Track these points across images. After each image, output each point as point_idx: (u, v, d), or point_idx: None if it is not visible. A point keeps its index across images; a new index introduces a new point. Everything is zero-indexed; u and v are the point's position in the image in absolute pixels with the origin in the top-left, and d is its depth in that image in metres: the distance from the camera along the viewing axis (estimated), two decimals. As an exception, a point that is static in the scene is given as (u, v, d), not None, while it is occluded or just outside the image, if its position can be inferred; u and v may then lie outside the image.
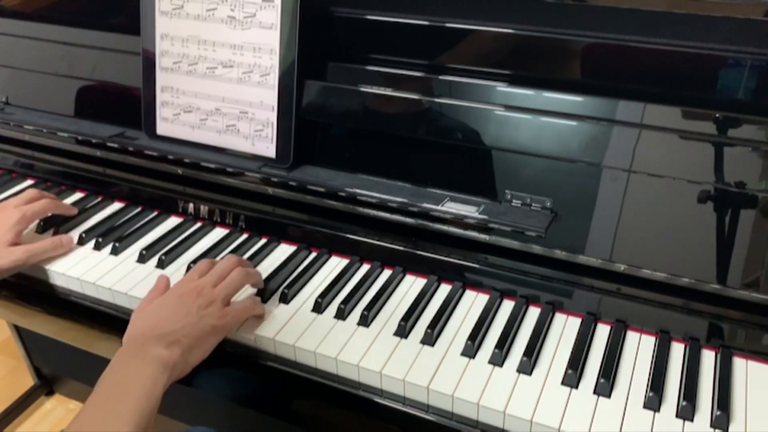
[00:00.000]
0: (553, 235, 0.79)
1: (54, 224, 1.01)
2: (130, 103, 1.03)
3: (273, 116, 0.92)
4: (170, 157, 0.99)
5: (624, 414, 0.68)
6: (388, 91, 0.88)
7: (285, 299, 0.84)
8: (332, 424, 0.83)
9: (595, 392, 0.70)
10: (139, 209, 1.05)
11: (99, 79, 1.08)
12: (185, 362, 0.72)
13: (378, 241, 0.90)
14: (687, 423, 0.67)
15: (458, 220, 0.82)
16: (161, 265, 0.91)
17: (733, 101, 0.74)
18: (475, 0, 0.84)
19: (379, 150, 0.90)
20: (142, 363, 0.69)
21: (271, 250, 0.95)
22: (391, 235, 0.89)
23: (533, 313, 0.82)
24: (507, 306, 0.83)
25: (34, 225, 1.00)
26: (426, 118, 0.86)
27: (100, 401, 0.66)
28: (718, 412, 0.66)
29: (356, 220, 0.90)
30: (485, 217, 0.80)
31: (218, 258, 0.93)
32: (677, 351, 0.76)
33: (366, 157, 0.91)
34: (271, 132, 0.92)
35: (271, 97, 0.91)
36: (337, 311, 0.81)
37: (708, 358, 0.74)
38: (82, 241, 0.97)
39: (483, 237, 0.83)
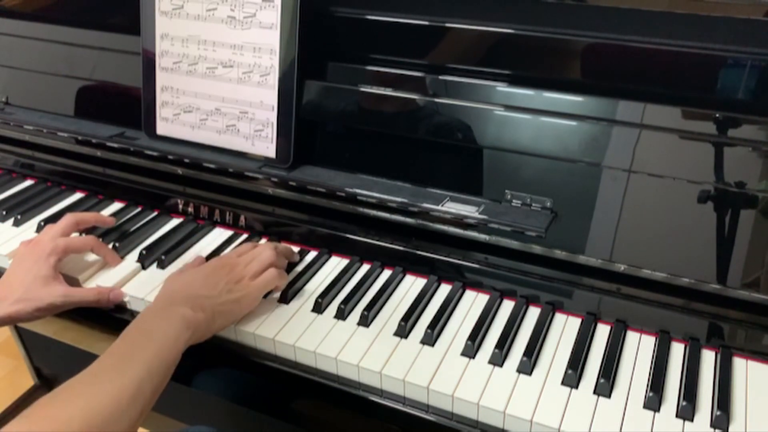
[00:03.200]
0: (553, 235, 0.79)
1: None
2: (130, 103, 1.03)
3: (273, 116, 0.92)
4: (170, 157, 0.99)
5: (624, 414, 0.68)
6: (388, 91, 0.88)
7: (285, 299, 0.84)
8: (332, 424, 0.83)
9: (595, 392, 0.70)
10: (139, 209, 1.05)
11: (99, 79, 1.08)
12: (207, 327, 0.75)
13: (378, 241, 0.90)
14: (687, 423, 0.67)
15: (458, 220, 0.82)
16: (161, 265, 0.91)
17: (733, 101, 0.74)
18: (475, 0, 0.84)
19: (379, 150, 0.90)
20: (167, 318, 0.72)
21: (271, 250, 0.95)
22: (391, 235, 0.89)
23: (533, 313, 0.82)
24: (507, 306, 0.83)
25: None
26: (426, 118, 0.86)
27: (120, 346, 0.69)
28: (718, 412, 0.66)
29: (356, 220, 0.90)
30: (485, 217, 0.80)
31: (218, 258, 0.93)
32: (677, 351, 0.76)
33: (366, 156, 0.91)
34: (271, 132, 0.92)
35: (271, 97, 0.91)
36: (337, 311, 0.81)
37: (708, 358, 0.74)
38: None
39: (483, 237, 0.83)
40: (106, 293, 0.86)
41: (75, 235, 0.93)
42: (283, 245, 0.91)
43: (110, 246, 0.95)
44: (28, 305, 0.82)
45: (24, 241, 0.90)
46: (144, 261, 0.92)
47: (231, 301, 0.78)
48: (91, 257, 0.93)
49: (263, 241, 0.96)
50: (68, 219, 0.91)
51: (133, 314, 0.87)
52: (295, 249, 0.94)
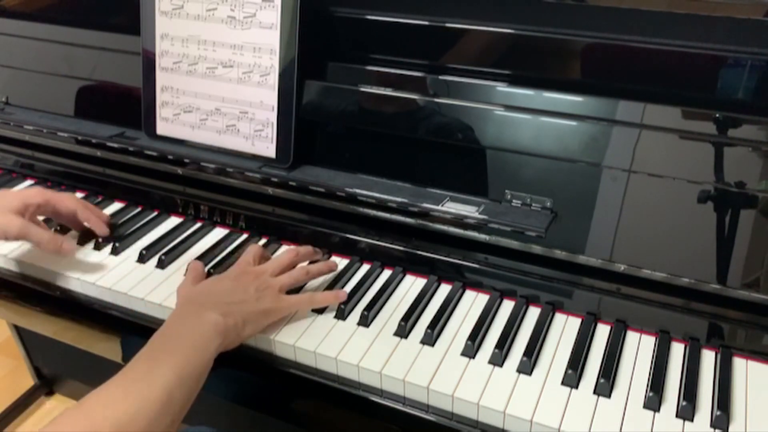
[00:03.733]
0: (553, 235, 0.79)
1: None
2: (130, 103, 1.03)
3: (273, 116, 0.92)
4: (170, 157, 0.99)
5: (624, 414, 0.68)
6: (388, 91, 0.88)
7: (285, 299, 0.84)
8: (332, 424, 0.83)
9: (595, 392, 0.70)
10: (139, 209, 1.05)
11: (99, 79, 1.08)
12: (237, 334, 0.73)
13: (378, 241, 0.90)
14: (687, 423, 0.67)
15: (458, 220, 0.82)
16: (161, 265, 0.91)
17: (733, 101, 0.74)
18: (475, 0, 0.84)
19: (379, 150, 0.90)
20: (196, 323, 0.71)
21: (272, 251, 0.95)
22: (391, 235, 0.89)
23: (533, 313, 0.82)
24: (507, 306, 0.83)
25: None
26: (426, 118, 0.86)
27: (149, 353, 0.68)
28: (718, 412, 0.66)
29: (356, 220, 0.90)
30: (485, 217, 0.80)
31: (218, 258, 0.93)
32: (677, 351, 0.76)
33: (366, 157, 0.91)
34: (271, 132, 0.92)
35: (271, 97, 0.91)
36: (337, 311, 0.81)
37: (708, 358, 0.74)
38: (82, 242, 0.97)
39: (483, 237, 0.83)
40: (59, 240, 0.88)
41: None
42: (318, 266, 0.87)
43: (110, 246, 0.95)
44: None
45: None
46: (144, 261, 0.92)
47: (260, 311, 0.76)
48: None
49: (282, 246, 0.96)
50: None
51: (130, 314, 0.87)
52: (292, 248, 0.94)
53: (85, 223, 0.96)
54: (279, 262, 0.83)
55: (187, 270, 0.86)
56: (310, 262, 0.88)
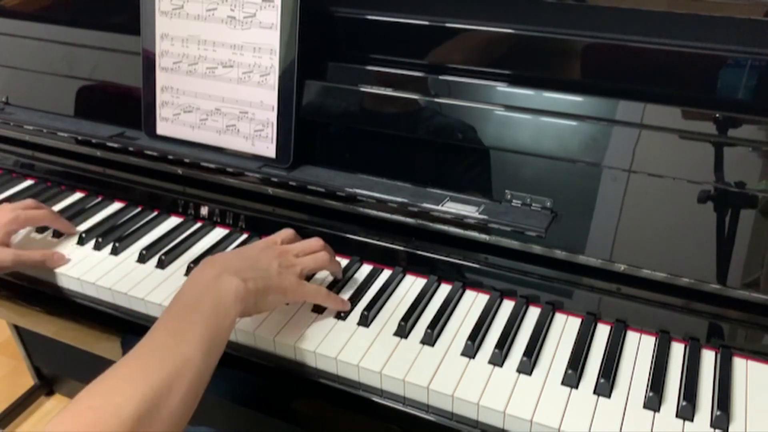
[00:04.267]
0: (553, 235, 0.79)
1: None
2: (130, 103, 1.03)
3: (273, 116, 0.92)
4: (170, 157, 0.98)
5: (624, 414, 0.68)
6: (389, 91, 0.88)
7: (285, 299, 0.84)
8: (332, 425, 0.83)
9: (595, 392, 0.70)
10: (139, 209, 1.05)
11: (99, 79, 1.08)
12: (256, 303, 0.72)
13: (378, 241, 0.90)
14: (687, 423, 0.67)
15: (458, 220, 0.82)
16: (161, 265, 0.91)
17: (733, 101, 0.74)
18: (475, 0, 0.84)
19: (379, 150, 0.90)
20: (216, 286, 0.69)
21: (271, 250, 0.95)
22: (391, 235, 0.89)
23: (533, 313, 0.82)
24: (507, 306, 0.83)
25: (30, 229, 0.99)
26: (426, 118, 0.86)
27: (170, 321, 0.66)
28: (718, 412, 0.66)
29: (356, 220, 0.90)
30: (485, 217, 0.80)
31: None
32: (677, 351, 0.76)
33: (366, 157, 0.91)
34: (271, 132, 0.92)
35: (271, 97, 0.91)
36: (337, 311, 0.81)
37: (708, 358, 0.74)
38: (82, 241, 0.97)
39: (483, 237, 0.83)
40: (50, 255, 0.91)
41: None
42: (336, 263, 0.87)
43: (110, 246, 0.95)
44: None
45: None
46: (144, 261, 0.92)
47: (281, 285, 0.75)
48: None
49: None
50: (30, 201, 0.97)
51: (131, 314, 0.87)
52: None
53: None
54: (306, 246, 0.82)
55: None
56: None
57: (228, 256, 0.77)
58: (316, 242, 0.84)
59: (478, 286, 0.86)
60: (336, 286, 0.86)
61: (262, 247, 0.80)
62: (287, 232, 0.85)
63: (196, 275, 0.72)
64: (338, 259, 0.92)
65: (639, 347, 0.77)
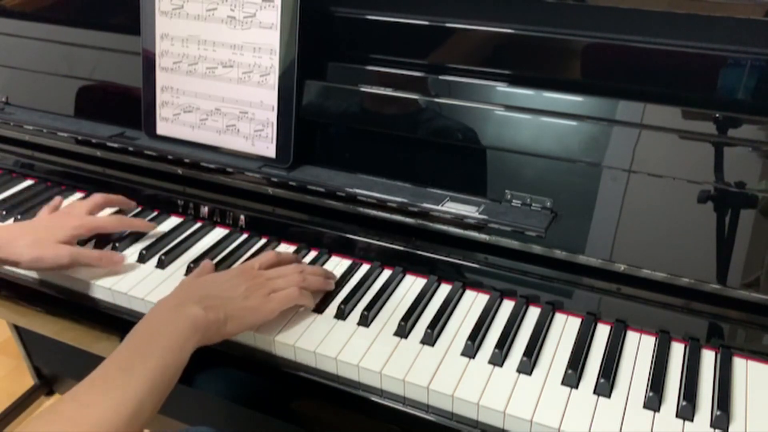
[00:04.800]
0: (553, 235, 0.79)
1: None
2: (130, 103, 1.03)
3: (273, 116, 0.92)
4: (170, 157, 0.99)
5: (624, 414, 0.68)
6: (389, 91, 0.88)
7: (285, 299, 0.84)
8: (332, 424, 0.83)
9: (595, 392, 0.70)
10: (138, 209, 1.05)
11: (99, 79, 1.08)
12: (218, 330, 0.73)
13: (378, 241, 0.90)
14: (687, 423, 0.67)
15: (458, 220, 0.82)
16: (161, 265, 0.91)
17: (733, 101, 0.74)
18: (474, 0, 0.84)
19: (379, 150, 0.90)
20: (175, 317, 0.70)
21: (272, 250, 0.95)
22: (391, 235, 0.89)
23: (533, 313, 0.82)
24: (507, 306, 0.83)
25: None
26: (426, 118, 0.86)
27: (126, 348, 0.67)
28: (718, 412, 0.66)
29: (356, 220, 0.90)
30: (485, 217, 0.80)
31: (218, 258, 0.92)
32: (677, 351, 0.76)
33: (366, 157, 0.91)
34: (271, 132, 0.92)
35: (271, 97, 0.91)
36: (337, 311, 0.81)
37: (708, 358, 0.74)
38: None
39: (483, 237, 0.83)
40: (108, 255, 0.90)
41: (102, 214, 0.98)
42: (317, 269, 0.86)
43: (110, 246, 0.95)
44: (37, 252, 0.86)
45: (49, 206, 0.96)
46: (144, 261, 0.92)
47: (246, 307, 0.75)
48: None
49: (282, 246, 0.95)
50: (98, 197, 0.97)
51: (131, 314, 0.87)
52: (295, 248, 0.94)
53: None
54: (281, 272, 0.81)
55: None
56: None
57: (197, 284, 0.78)
58: (293, 268, 0.82)
59: (478, 286, 0.86)
60: (335, 285, 0.86)
61: (235, 273, 0.80)
62: (267, 256, 0.84)
63: (160, 302, 0.74)
64: (338, 259, 0.92)
65: (639, 347, 0.77)
